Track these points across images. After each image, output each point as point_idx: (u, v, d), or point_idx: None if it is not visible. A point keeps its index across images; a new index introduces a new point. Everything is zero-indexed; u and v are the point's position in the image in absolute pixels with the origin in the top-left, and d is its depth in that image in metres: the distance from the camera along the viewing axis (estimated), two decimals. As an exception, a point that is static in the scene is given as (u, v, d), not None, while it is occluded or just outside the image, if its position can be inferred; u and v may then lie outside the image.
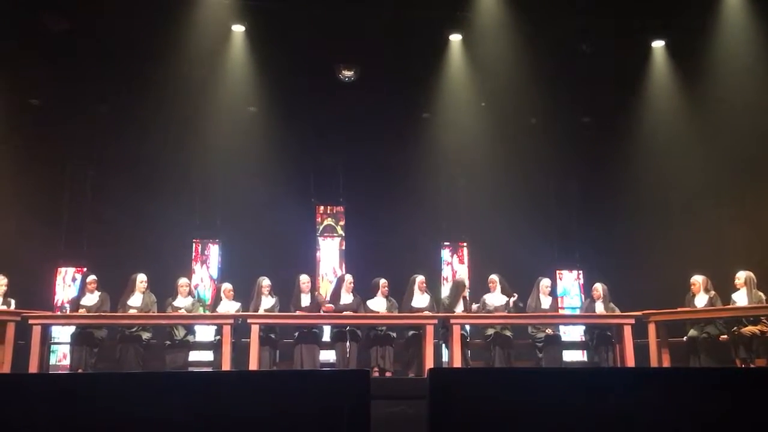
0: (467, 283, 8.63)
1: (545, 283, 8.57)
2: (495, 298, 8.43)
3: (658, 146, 10.24)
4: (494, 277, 8.52)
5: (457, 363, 7.61)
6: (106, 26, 9.36)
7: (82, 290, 8.41)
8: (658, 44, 10.38)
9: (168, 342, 8.03)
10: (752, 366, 7.30)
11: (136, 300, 8.16)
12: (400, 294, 8.39)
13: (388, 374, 7.79)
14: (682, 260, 8.87)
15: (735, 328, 7.58)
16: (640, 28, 9.93)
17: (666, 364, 7.84)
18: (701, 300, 7.94)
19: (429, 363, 7.55)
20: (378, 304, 8.26)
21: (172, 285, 8.44)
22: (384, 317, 8.04)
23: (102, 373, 7.40)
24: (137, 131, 10.11)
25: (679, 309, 8.02)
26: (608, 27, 9.65)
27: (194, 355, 8.22)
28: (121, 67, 9.73)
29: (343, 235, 11.40)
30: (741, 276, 7.76)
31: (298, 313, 8.05)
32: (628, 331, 7.88)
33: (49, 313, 8.48)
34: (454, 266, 11.43)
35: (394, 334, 8.07)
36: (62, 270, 10.63)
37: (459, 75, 10.60)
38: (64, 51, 9.55)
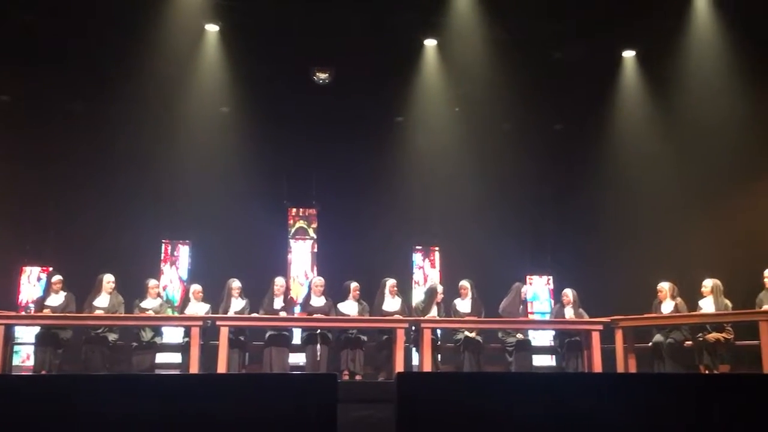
0: (440, 288, 8.63)
1: (525, 290, 8.71)
2: (465, 304, 8.47)
3: (629, 154, 10.39)
4: (465, 284, 8.55)
5: (428, 367, 7.62)
6: (78, 23, 9.24)
7: (47, 290, 8.30)
8: (628, 54, 10.54)
9: (135, 343, 7.93)
10: (716, 372, 7.41)
11: (102, 301, 8.04)
12: (371, 297, 8.39)
13: (358, 378, 7.77)
14: (650, 267, 8.99)
15: (700, 334, 7.70)
16: (611, 38, 10.06)
17: (632, 369, 7.95)
18: (667, 306, 8.05)
19: (399, 367, 7.56)
20: (349, 307, 8.25)
21: (140, 286, 8.34)
22: (355, 320, 8.03)
23: (67, 375, 7.28)
24: (107, 129, 9.97)
25: (645, 315, 8.13)
26: (581, 36, 9.76)
27: (161, 357, 8.12)
28: (91, 65, 9.60)
29: (315, 237, 11.36)
30: (708, 284, 7.88)
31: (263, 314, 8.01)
32: (596, 337, 7.97)
33: (13, 313, 8.31)
34: (426, 270, 11.46)
35: (365, 338, 8.06)
36: (27, 269, 10.44)
37: (433, 80, 10.64)
38: (34, 48, 9.40)
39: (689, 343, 7.80)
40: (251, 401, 2.70)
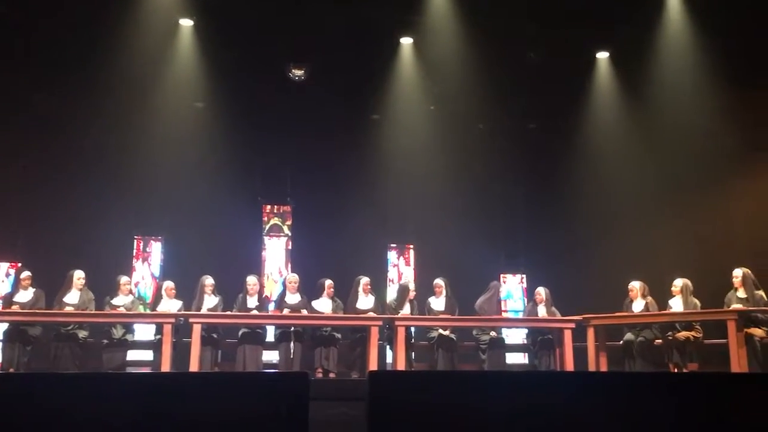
0: (413, 286, 8.65)
1: (502, 288, 8.74)
2: (439, 302, 8.50)
3: (601, 155, 10.50)
4: (440, 282, 8.58)
5: (401, 365, 7.64)
6: (46, 15, 9.08)
7: (16, 286, 8.16)
8: (602, 55, 10.67)
9: (106, 341, 7.83)
10: (685, 370, 7.53)
11: (72, 297, 7.94)
12: (346, 295, 8.38)
13: (331, 375, 7.76)
14: (622, 266, 9.11)
15: (669, 333, 7.81)
16: (586, 39, 10.16)
17: (603, 367, 8.05)
18: (638, 305, 8.16)
19: (373, 365, 7.56)
20: (323, 304, 8.23)
21: (111, 282, 8.25)
22: (329, 318, 8.02)
23: (35, 373, 7.18)
24: (77, 124, 9.81)
25: (617, 314, 8.22)
26: (556, 36, 9.84)
27: (133, 355, 8.03)
28: (61, 58, 9.46)
29: (290, 234, 11.32)
30: (678, 283, 7.99)
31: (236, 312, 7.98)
32: (568, 335, 8.06)
33: (-19, 310, 8.17)
34: (401, 268, 11.47)
35: (339, 336, 8.05)
36: (-5, 265, 10.27)
37: (409, 78, 10.66)
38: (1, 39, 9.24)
39: (659, 341, 7.90)
40: (223, 400, 2.69)
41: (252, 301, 8.17)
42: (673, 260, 8.84)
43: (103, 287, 8.26)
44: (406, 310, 8.32)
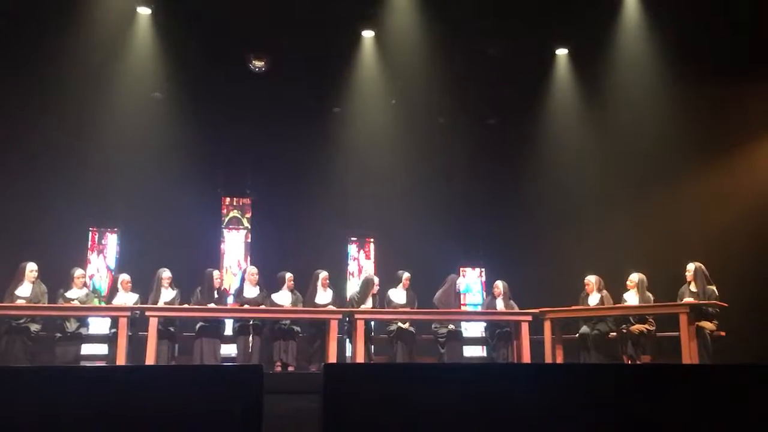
0: (377, 280, 8.63)
1: (460, 281, 8.83)
2: (399, 294, 8.51)
3: (559, 150, 10.65)
4: (407, 274, 8.56)
5: (360, 358, 7.65)
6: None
7: (-35, 279, 7.93)
8: (561, 52, 10.79)
9: (59, 334, 7.67)
10: (638, 362, 7.68)
11: (24, 290, 7.75)
12: (306, 288, 8.34)
13: (290, 368, 7.73)
14: (578, 261, 9.25)
15: (624, 326, 7.96)
16: (545, 35, 10.27)
17: (559, 359, 8.18)
18: (594, 299, 8.30)
19: (332, 358, 7.56)
20: (283, 297, 8.19)
21: (66, 275, 8.07)
22: (289, 311, 7.98)
23: (-16, 366, 6.98)
24: (28, 114, 9.54)
25: (573, 307, 8.35)
26: (515, 32, 9.92)
27: (87, 349, 7.88)
28: (15, 44, 9.21)
29: (249, 227, 11.22)
30: (634, 278, 8.14)
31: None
32: (525, 328, 8.17)
33: (-73, 303, 7.93)
34: (361, 261, 11.47)
35: (299, 329, 8.01)
36: (-56, 257, 9.96)
37: (370, 71, 10.65)
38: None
39: (614, 334, 8.05)
40: (176, 393, 2.65)
41: (214, 295, 8.08)
42: (628, 255, 8.99)
43: (56, 280, 8.08)
44: (368, 304, 8.32)
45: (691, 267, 7.92)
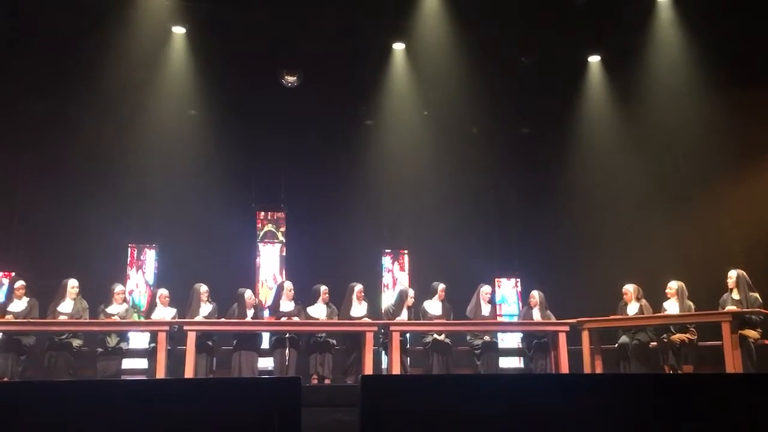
0: (412, 292, 8.60)
1: (486, 289, 8.68)
2: (435, 306, 8.48)
3: (594, 158, 10.53)
4: (443, 286, 8.53)
5: (396, 370, 7.63)
6: (42, 24, 9.08)
7: (10, 296, 8.12)
8: (594, 59, 10.70)
9: (100, 349, 7.81)
10: (680, 372, 7.53)
11: (66, 306, 7.91)
12: (340, 301, 8.36)
13: (327, 381, 7.75)
14: (616, 269, 9.12)
15: (664, 335, 7.81)
16: (577, 43, 10.20)
17: (599, 370, 8.05)
18: (633, 308, 8.16)
19: (368, 370, 7.55)
20: (318, 310, 8.22)
21: (106, 291, 8.21)
22: (324, 324, 8.00)
23: (29, 381, 7.11)
24: (69, 131, 9.76)
25: (611, 317, 8.23)
26: (547, 40, 9.87)
27: (128, 363, 8.01)
28: (56, 66, 9.45)
29: (284, 241, 11.29)
30: (673, 286, 7.99)
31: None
32: (563, 338, 8.06)
33: (-26, 320, 8.12)
34: (395, 274, 11.46)
35: (334, 341, 8.03)
36: (-11, 275, 10.21)
37: (402, 83, 10.68)
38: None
39: (654, 344, 7.91)
40: (215, 406, 2.67)
41: (249, 314, 8.12)
42: (667, 263, 8.84)
43: (97, 296, 8.23)
44: (403, 315, 8.30)
45: (732, 274, 7.75)
